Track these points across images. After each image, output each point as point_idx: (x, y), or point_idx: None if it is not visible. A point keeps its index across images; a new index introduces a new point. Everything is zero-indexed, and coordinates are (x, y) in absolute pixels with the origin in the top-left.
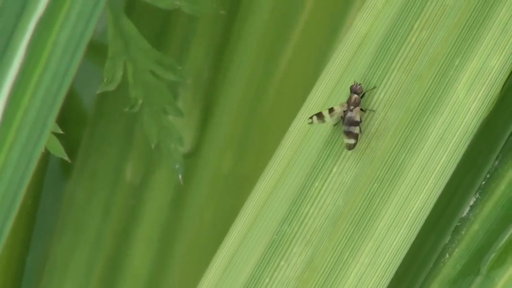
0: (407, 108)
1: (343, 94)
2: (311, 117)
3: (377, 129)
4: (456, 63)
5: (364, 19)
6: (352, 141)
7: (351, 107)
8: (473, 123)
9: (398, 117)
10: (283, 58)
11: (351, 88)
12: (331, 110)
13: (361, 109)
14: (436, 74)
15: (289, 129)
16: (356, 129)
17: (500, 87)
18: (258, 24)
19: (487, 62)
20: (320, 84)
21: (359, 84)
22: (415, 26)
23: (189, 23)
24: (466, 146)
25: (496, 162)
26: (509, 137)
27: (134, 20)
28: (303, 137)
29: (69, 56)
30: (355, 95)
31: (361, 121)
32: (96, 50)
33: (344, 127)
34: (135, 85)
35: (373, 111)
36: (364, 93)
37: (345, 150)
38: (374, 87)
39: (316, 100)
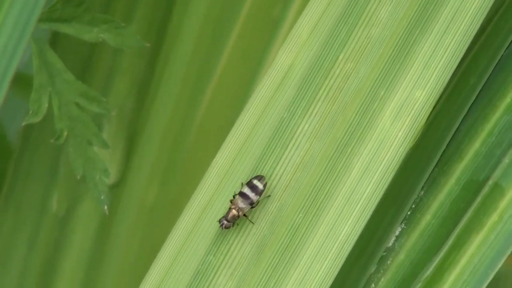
0: (332, 138)
1: (268, 126)
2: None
3: (302, 160)
4: (381, 94)
5: (289, 50)
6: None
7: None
8: (398, 153)
9: (323, 147)
10: (208, 89)
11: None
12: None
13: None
14: (362, 105)
15: (214, 160)
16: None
17: (426, 118)
18: (183, 56)
19: (412, 93)
20: (245, 115)
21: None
22: (340, 58)
23: (113, 55)
24: (391, 176)
25: (422, 193)
26: (434, 168)
27: (59, 52)
28: (227, 169)
29: None
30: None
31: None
32: (22, 82)
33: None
34: (61, 117)
35: (252, 223)
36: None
37: (270, 181)
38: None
39: (241, 130)
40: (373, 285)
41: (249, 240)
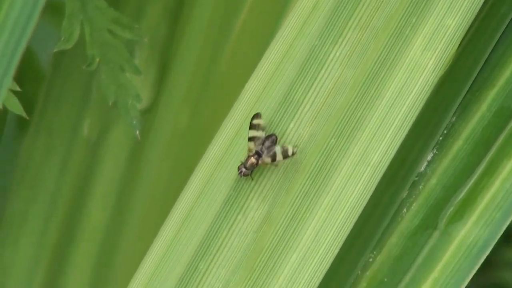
0: (363, 65)
1: (299, 53)
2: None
3: (334, 86)
4: (413, 21)
5: None
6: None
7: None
8: (430, 80)
9: (354, 74)
10: (240, 15)
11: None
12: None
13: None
14: (393, 33)
15: (245, 86)
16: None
17: (457, 45)
18: None
19: (444, 21)
20: (277, 41)
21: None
22: None
23: None
24: (423, 102)
25: (454, 118)
26: (466, 94)
27: None
28: (259, 94)
29: (26, 16)
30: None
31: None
32: (54, 10)
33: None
34: (92, 43)
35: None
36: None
37: (302, 106)
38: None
39: (272, 59)
40: (404, 209)
41: (280, 166)
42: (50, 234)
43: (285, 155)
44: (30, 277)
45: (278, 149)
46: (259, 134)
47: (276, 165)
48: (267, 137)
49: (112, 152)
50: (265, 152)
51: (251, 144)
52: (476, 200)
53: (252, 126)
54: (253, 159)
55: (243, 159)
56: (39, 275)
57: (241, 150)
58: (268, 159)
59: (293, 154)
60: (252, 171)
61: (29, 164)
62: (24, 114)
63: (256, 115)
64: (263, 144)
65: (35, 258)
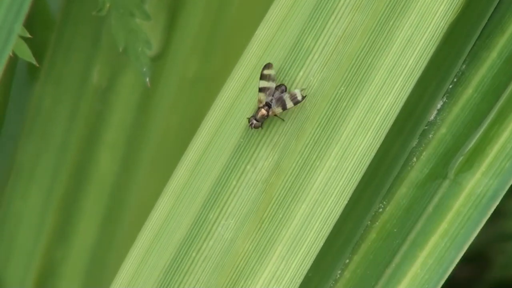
0: (374, 11)
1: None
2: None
3: (344, 32)
4: None
5: None
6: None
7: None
8: (440, 26)
9: (364, 20)
10: None
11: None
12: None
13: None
14: None
15: (255, 33)
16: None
17: None
18: None
19: None
20: None
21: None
22: None
23: None
24: (433, 49)
25: (463, 66)
26: (476, 41)
27: None
28: (269, 41)
29: None
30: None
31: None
32: None
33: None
34: None
35: (282, 119)
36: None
37: (312, 54)
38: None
39: (282, 4)
40: (414, 158)
41: (290, 113)
42: (60, 183)
43: (295, 101)
44: (40, 226)
45: (286, 96)
46: (270, 84)
47: (285, 115)
48: (277, 87)
49: (121, 99)
50: (274, 102)
51: (261, 95)
52: (486, 149)
53: (262, 77)
54: (263, 111)
55: (253, 110)
56: (48, 224)
57: (251, 99)
58: (278, 109)
59: (303, 98)
60: (263, 123)
61: (39, 111)
62: (34, 61)
63: (267, 65)
64: (273, 95)
65: (45, 207)
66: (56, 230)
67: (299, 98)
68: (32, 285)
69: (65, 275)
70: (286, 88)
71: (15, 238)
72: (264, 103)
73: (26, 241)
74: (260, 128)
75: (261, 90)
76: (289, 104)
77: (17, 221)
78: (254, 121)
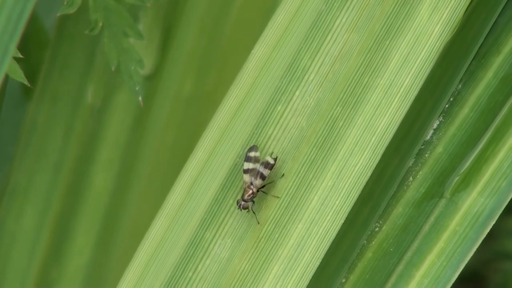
0: (369, 31)
1: (306, 19)
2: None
3: (340, 52)
4: None
5: None
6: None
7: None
8: (436, 46)
9: (360, 40)
10: None
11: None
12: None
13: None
14: None
15: (252, 52)
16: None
17: (464, 10)
18: None
19: None
20: (282, 8)
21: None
22: None
23: None
24: (429, 68)
25: (460, 86)
26: (472, 61)
27: None
28: (265, 60)
29: None
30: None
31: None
32: None
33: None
34: (96, 8)
35: (278, 197)
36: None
37: (308, 74)
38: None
39: (279, 23)
40: (411, 178)
41: (286, 134)
42: (54, 202)
43: (269, 166)
44: (34, 245)
45: (260, 167)
46: (255, 166)
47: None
48: (260, 164)
49: (116, 118)
50: (253, 178)
51: (246, 177)
52: (482, 168)
53: (247, 159)
54: (249, 190)
55: (239, 193)
56: (43, 244)
57: (247, 119)
58: (259, 181)
59: (275, 160)
60: (253, 202)
61: (33, 131)
62: (25, 82)
63: (252, 148)
64: (257, 174)
65: (39, 227)
66: (51, 249)
67: (272, 162)
68: None
69: None
70: (257, 148)
71: (10, 258)
72: (249, 183)
73: (20, 261)
74: (248, 209)
75: (246, 172)
76: (266, 172)
77: (12, 241)
78: (242, 202)
